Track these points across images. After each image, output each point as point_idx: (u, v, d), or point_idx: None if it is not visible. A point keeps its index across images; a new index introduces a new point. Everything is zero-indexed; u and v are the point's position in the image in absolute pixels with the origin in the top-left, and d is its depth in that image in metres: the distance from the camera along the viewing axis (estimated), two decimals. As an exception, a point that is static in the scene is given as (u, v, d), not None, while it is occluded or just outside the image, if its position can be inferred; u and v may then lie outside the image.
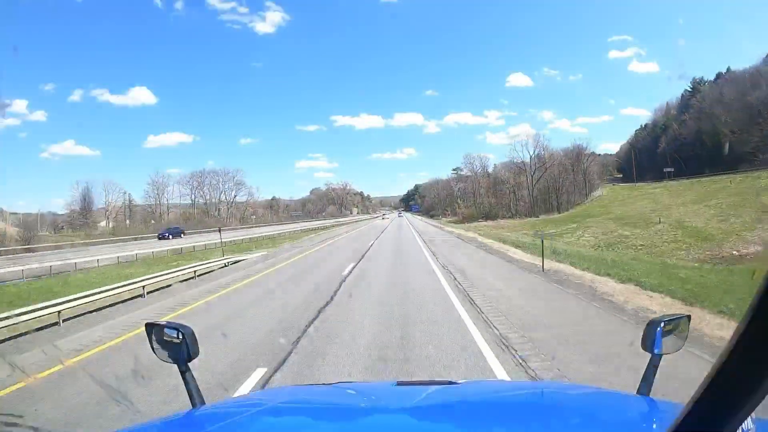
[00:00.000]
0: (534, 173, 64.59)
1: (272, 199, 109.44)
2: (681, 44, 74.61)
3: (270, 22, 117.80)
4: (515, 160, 69.35)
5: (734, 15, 75.31)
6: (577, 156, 65.43)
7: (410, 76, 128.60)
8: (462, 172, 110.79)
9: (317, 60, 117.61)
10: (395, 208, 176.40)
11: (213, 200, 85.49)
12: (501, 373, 4.38)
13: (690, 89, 70.80)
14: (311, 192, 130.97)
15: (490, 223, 53.82)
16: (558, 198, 61.05)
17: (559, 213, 57.55)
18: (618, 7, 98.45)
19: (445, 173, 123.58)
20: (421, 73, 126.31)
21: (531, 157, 65.94)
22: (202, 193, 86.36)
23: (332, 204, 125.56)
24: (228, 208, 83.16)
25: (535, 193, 63.62)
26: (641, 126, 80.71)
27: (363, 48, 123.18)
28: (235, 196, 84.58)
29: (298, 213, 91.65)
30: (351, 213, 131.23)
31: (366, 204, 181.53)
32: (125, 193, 77.35)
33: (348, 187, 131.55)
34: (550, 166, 63.33)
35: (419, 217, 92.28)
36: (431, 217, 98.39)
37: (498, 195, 66.36)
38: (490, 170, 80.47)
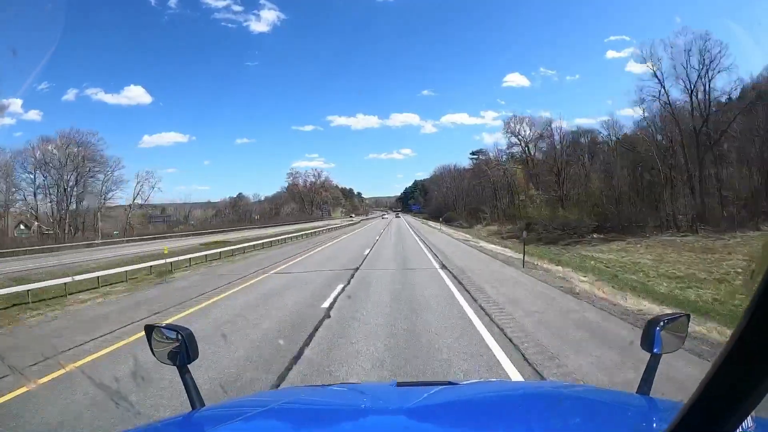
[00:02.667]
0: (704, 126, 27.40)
1: (237, 197, 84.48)
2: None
3: (265, 21, 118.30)
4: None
5: (732, 14, 64.84)
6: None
7: (407, 76, 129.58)
8: (483, 156, 75.82)
9: (313, 59, 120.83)
10: (391, 208, 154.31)
11: (75, 199, 48.10)
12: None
13: None
14: (287, 188, 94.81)
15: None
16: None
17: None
18: (615, 7, 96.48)
19: (456, 162, 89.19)
20: (418, 72, 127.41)
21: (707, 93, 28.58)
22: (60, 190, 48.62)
23: (301, 202, 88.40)
24: (69, 212, 45.19)
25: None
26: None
27: (359, 47, 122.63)
28: (97, 184, 47.32)
29: (158, 218, 54.21)
30: (329, 215, 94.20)
31: (356, 203, 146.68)
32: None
33: (324, 179, 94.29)
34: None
35: (434, 226, 52.99)
36: (447, 223, 61.78)
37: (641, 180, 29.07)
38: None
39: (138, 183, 61.22)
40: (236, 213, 78.76)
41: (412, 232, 32.05)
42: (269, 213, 76.73)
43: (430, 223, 57.24)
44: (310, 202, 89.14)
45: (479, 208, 51.03)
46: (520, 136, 56.54)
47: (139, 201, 60.52)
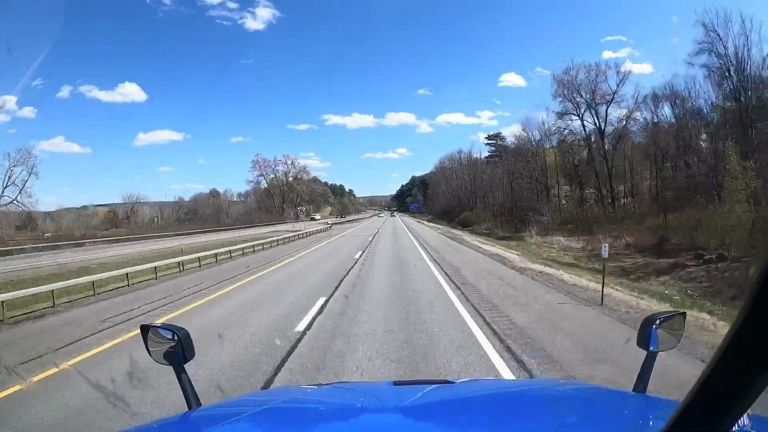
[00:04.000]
0: None
1: (211, 192, 71.01)
2: (675, 43, 65.74)
3: (260, 18, 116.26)
4: None
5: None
6: None
7: (403, 75, 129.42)
8: (502, 141, 57.05)
9: (308, 58, 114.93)
10: (386, 207, 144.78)
11: None
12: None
13: None
14: (257, 182, 75.21)
15: None
16: None
17: None
18: (612, 7, 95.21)
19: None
20: (414, 72, 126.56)
21: None
22: None
23: (270, 198, 68.40)
24: None
25: None
26: None
27: (355, 46, 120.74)
28: None
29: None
30: (307, 216, 74.65)
31: (346, 202, 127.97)
32: None
33: (299, 170, 74.19)
34: None
35: (460, 237, 29.95)
36: (464, 227, 42.65)
37: None
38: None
39: (9, 166, 42.06)
40: (202, 211, 60.78)
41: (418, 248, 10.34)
42: (213, 213, 57.12)
43: (467, 239, 25.79)
44: (282, 199, 69.18)
45: (531, 207, 31.48)
46: (581, 99, 37.32)
47: (13, 190, 41.35)
